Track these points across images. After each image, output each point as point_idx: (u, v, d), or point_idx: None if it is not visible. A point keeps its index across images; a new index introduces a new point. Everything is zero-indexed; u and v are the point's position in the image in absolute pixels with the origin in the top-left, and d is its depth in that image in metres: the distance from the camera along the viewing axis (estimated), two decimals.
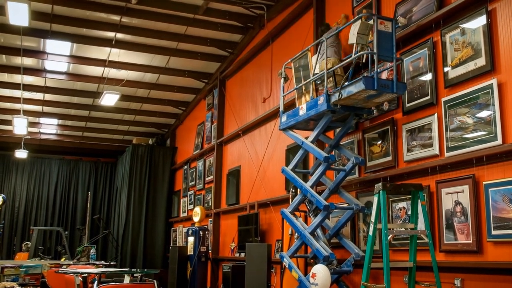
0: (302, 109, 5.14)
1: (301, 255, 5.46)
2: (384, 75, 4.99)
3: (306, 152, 5.33)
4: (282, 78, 5.68)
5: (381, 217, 3.89)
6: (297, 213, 5.38)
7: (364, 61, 4.76)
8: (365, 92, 4.37)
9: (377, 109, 5.20)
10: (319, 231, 5.08)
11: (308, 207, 5.34)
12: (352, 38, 4.46)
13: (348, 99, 4.57)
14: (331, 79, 5.08)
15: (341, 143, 5.40)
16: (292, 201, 5.93)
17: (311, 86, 5.21)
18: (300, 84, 5.40)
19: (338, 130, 5.42)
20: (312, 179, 5.05)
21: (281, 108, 5.67)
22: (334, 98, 4.65)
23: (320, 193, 5.30)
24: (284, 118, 5.52)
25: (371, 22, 4.41)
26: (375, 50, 4.31)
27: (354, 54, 4.55)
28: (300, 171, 5.70)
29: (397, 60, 4.50)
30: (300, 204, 5.29)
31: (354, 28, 4.44)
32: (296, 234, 5.22)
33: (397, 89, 4.41)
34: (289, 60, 5.62)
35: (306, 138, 5.17)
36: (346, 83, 4.53)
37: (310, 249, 5.03)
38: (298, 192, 5.30)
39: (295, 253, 5.20)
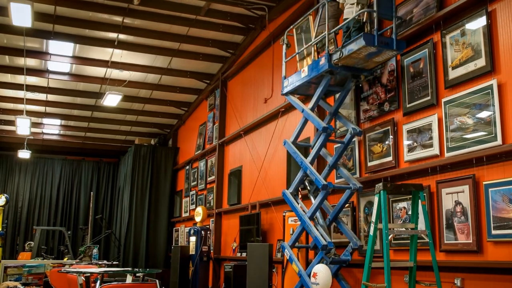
0: (304, 72, 5.20)
1: (302, 245, 5.47)
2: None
3: (306, 121, 5.38)
4: (284, 45, 5.75)
5: (382, 217, 3.92)
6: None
7: (364, 20, 4.79)
8: (365, 49, 4.44)
9: (378, 109, 5.23)
10: (318, 215, 5.09)
11: (308, 187, 5.37)
12: None
13: (349, 57, 4.63)
14: (332, 40, 5.12)
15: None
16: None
17: (312, 48, 5.25)
18: (302, 48, 5.45)
19: (338, 96, 5.46)
20: (312, 152, 5.10)
21: (283, 74, 5.74)
22: (336, 56, 4.71)
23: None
24: (286, 83, 5.59)
25: None
26: (375, 8, 4.38)
27: (355, 13, 4.62)
28: (302, 144, 5.76)
29: (397, 18, 4.56)
30: (301, 183, 5.31)
31: None
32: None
33: (397, 46, 4.49)
34: (291, 27, 5.68)
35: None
36: (347, 42, 4.57)
37: (311, 239, 5.05)
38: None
39: (296, 242, 5.22)
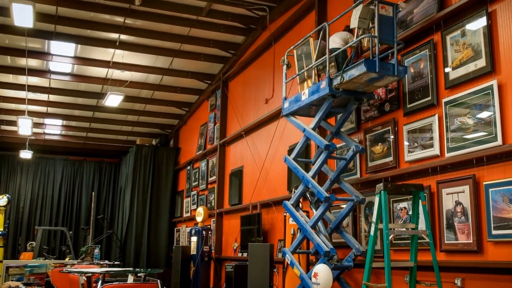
0: (305, 94, 5.19)
1: (303, 251, 5.48)
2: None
3: (308, 140, 5.37)
4: (285, 65, 5.75)
5: (382, 217, 3.93)
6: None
7: (366, 44, 4.78)
8: (366, 74, 4.42)
9: (378, 109, 5.24)
10: (320, 224, 5.10)
11: (310, 199, 5.37)
12: (354, 23, 4.51)
13: (350, 82, 4.62)
14: (333, 63, 5.12)
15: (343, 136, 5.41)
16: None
17: (313, 71, 5.26)
18: (303, 70, 5.44)
19: (339, 116, 5.43)
20: (314, 168, 5.09)
21: (284, 95, 5.73)
22: (336, 81, 4.70)
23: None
24: (286, 104, 5.58)
25: (372, 7, 4.46)
26: (376, 34, 4.36)
27: (356, 38, 4.61)
28: (302, 160, 5.75)
29: (398, 44, 4.55)
30: (302, 196, 5.32)
31: (356, 13, 4.49)
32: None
33: (398, 72, 4.47)
34: (292, 47, 5.69)
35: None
36: (348, 67, 4.58)
37: (312, 245, 5.06)
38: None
39: (297, 248, 5.22)
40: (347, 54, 5.07)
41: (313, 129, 5.16)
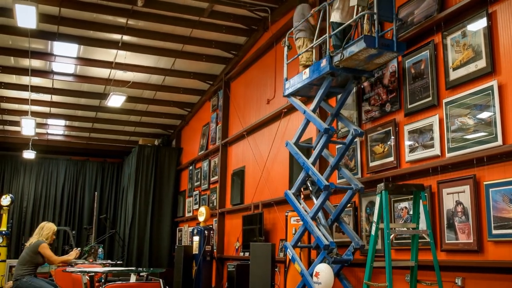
0: (305, 74, 5.24)
1: (305, 245, 5.50)
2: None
3: (308, 122, 5.42)
4: (286, 47, 5.80)
5: (383, 216, 3.95)
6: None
7: (365, 21, 4.82)
8: (366, 51, 4.46)
9: (379, 110, 5.26)
10: (320, 215, 5.12)
11: (310, 188, 5.40)
12: (353, 1, 4.56)
13: (349, 59, 4.66)
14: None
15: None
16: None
17: (313, 50, 5.32)
18: (302, 52, 5.48)
19: (339, 97, 5.50)
20: (314, 154, 5.13)
21: (285, 75, 5.79)
22: (336, 58, 4.74)
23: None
24: (288, 85, 5.64)
25: None
26: (375, 10, 4.41)
27: (356, 15, 4.65)
28: (303, 145, 5.80)
29: (397, 20, 4.58)
30: (303, 184, 5.35)
31: None
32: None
33: (397, 47, 4.51)
34: (292, 29, 5.72)
35: None
36: (348, 44, 4.61)
37: (313, 239, 5.09)
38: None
39: (299, 241, 5.25)
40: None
41: (313, 110, 5.24)
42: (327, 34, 4.94)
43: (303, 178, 5.27)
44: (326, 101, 5.62)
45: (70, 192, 15.46)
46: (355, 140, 5.49)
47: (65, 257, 6.52)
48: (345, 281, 4.98)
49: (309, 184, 5.39)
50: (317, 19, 5.40)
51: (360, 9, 4.62)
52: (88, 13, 8.05)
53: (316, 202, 5.02)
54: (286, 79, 5.74)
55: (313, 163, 5.13)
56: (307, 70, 5.23)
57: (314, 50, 5.49)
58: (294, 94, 5.64)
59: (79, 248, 7.46)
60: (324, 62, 4.90)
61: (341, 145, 5.39)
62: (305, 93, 5.73)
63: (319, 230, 4.85)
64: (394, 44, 4.52)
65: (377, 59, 4.72)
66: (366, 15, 4.60)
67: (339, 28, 4.92)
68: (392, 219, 4.82)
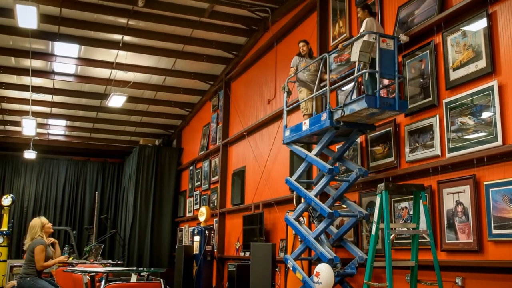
0: (305, 125, 5.20)
1: (305, 258, 5.51)
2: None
3: (309, 164, 5.40)
4: (285, 92, 5.71)
5: (384, 217, 3.96)
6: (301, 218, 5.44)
7: (366, 78, 4.77)
8: (367, 110, 4.45)
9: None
10: (322, 236, 5.12)
11: (312, 214, 5.40)
12: (354, 56, 4.51)
13: (350, 116, 4.64)
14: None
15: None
16: (295, 201, 5.99)
17: (314, 100, 5.35)
18: (303, 100, 5.52)
19: (341, 144, 5.43)
20: (316, 189, 5.07)
21: (285, 123, 5.73)
22: (337, 115, 4.72)
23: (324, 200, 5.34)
24: (287, 133, 5.58)
25: (373, 40, 4.46)
26: (377, 69, 4.38)
27: (357, 72, 4.61)
28: (304, 181, 5.76)
29: (399, 77, 4.57)
30: (304, 212, 5.36)
31: (356, 46, 4.49)
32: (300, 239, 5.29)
33: (399, 107, 4.50)
34: (292, 75, 5.70)
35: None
36: (349, 101, 4.60)
37: (313, 252, 5.10)
38: (302, 201, 5.36)
39: (299, 256, 5.24)
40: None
41: (315, 155, 5.14)
42: (328, 87, 4.88)
43: (304, 208, 5.26)
44: (327, 147, 5.49)
45: (71, 192, 15.47)
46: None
47: (49, 263, 6.28)
48: (348, 287, 4.98)
49: (310, 210, 5.39)
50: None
51: (361, 65, 4.57)
52: (88, 14, 8.07)
53: (319, 226, 4.97)
54: (286, 126, 5.66)
55: (315, 196, 5.06)
56: (307, 121, 5.18)
57: (315, 101, 5.44)
58: (294, 142, 5.55)
59: (67, 255, 7.38)
60: (324, 116, 4.85)
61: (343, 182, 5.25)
62: (305, 141, 5.63)
63: (322, 246, 4.83)
64: (396, 103, 4.48)
65: (379, 116, 4.71)
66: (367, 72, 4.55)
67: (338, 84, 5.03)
68: (392, 219, 4.83)
